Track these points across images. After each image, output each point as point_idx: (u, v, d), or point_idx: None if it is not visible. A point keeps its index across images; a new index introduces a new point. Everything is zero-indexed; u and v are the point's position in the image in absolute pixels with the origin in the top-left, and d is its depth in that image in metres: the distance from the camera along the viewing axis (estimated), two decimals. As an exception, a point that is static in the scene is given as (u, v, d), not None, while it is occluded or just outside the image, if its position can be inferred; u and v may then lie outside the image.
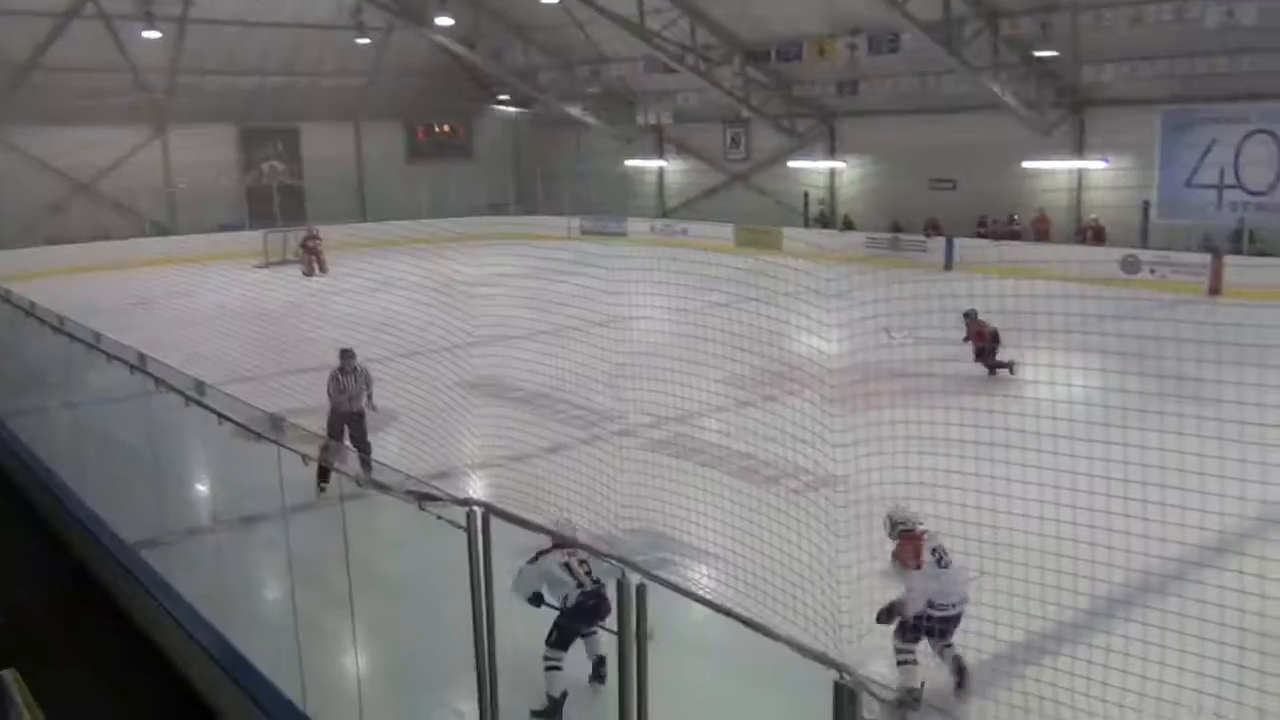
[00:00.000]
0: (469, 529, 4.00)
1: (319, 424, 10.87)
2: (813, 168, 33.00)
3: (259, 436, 5.61)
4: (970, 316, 15.68)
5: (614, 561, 3.83)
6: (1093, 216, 26.51)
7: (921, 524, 7.39)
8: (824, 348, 12.29)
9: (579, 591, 6.48)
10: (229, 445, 7.28)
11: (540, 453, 12.77)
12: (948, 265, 27.40)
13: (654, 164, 38.42)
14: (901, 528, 7.41)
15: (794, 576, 7.48)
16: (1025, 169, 27.30)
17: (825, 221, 32.47)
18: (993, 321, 15.58)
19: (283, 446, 5.32)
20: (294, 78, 36.49)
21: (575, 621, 6.53)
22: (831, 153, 32.56)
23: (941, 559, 7.15)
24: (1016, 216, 27.64)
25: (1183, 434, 6.55)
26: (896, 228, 29.87)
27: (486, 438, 12.94)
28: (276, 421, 5.54)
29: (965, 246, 27.13)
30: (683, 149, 37.32)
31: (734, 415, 13.76)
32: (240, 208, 36.87)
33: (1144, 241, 25.17)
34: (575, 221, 37.73)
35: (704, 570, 8.97)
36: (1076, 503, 7.56)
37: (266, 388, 13.47)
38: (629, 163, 38.47)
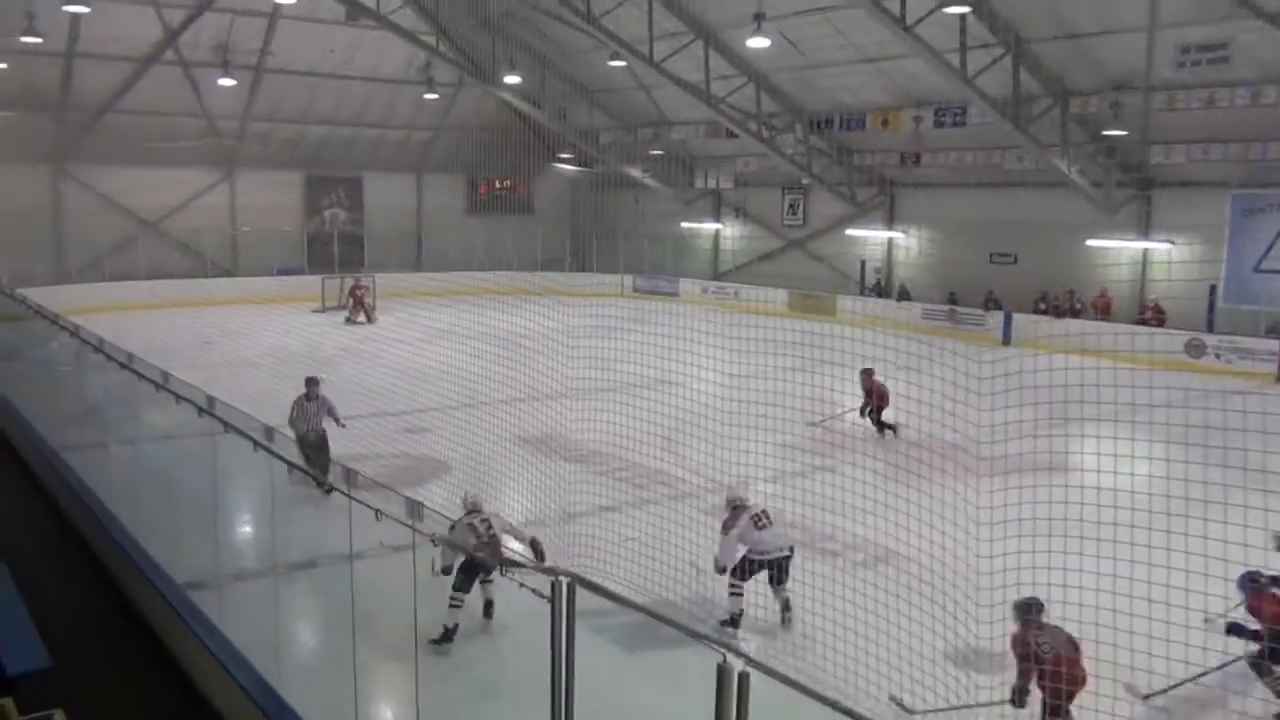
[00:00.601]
0: (553, 599, 3.83)
1: (374, 469, 10.83)
2: (871, 236, 32.89)
3: (330, 489, 5.50)
4: (867, 374, 16.11)
5: (710, 644, 3.61)
6: (1153, 298, 26.05)
7: (750, 500, 9.97)
8: (888, 417, 12.07)
9: (476, 542, 8.40)
10: (284, 490, 7.21)
11: (594, 511, 12.59)
12: (1005, 340, 27.01)
13: (710, 226, 38.53)
14: (734, 504, 9.92)
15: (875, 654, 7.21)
16: (1089, 247, 26.95)
17: (881, 291, 32.24)
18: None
19: (353, 499, 5.20)
20: (361, 129, 37.27)
21: (475, 568, 8.12)
22: (891, 222, 32.43)
23: (759, 522, 9.74)
24: (1077, 293, 27.23)
25: (1247, 525, 6.31)
26: (954, 300, 29.58)
27: (538, 495, 12.81)
28: (350, 474, 5.43)
29: (1024, 322, 26.77)
30: (740, 213, 37.40)
31: (790, 483, 13.49)
32: (300, 252, 37.53)
33: (1209, 325, 24.65)
34: (629, 280, 37.88)
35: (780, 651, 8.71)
36: (1134, 592, 7.25)
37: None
38: (685, 224, 38.63)
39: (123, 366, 9.40)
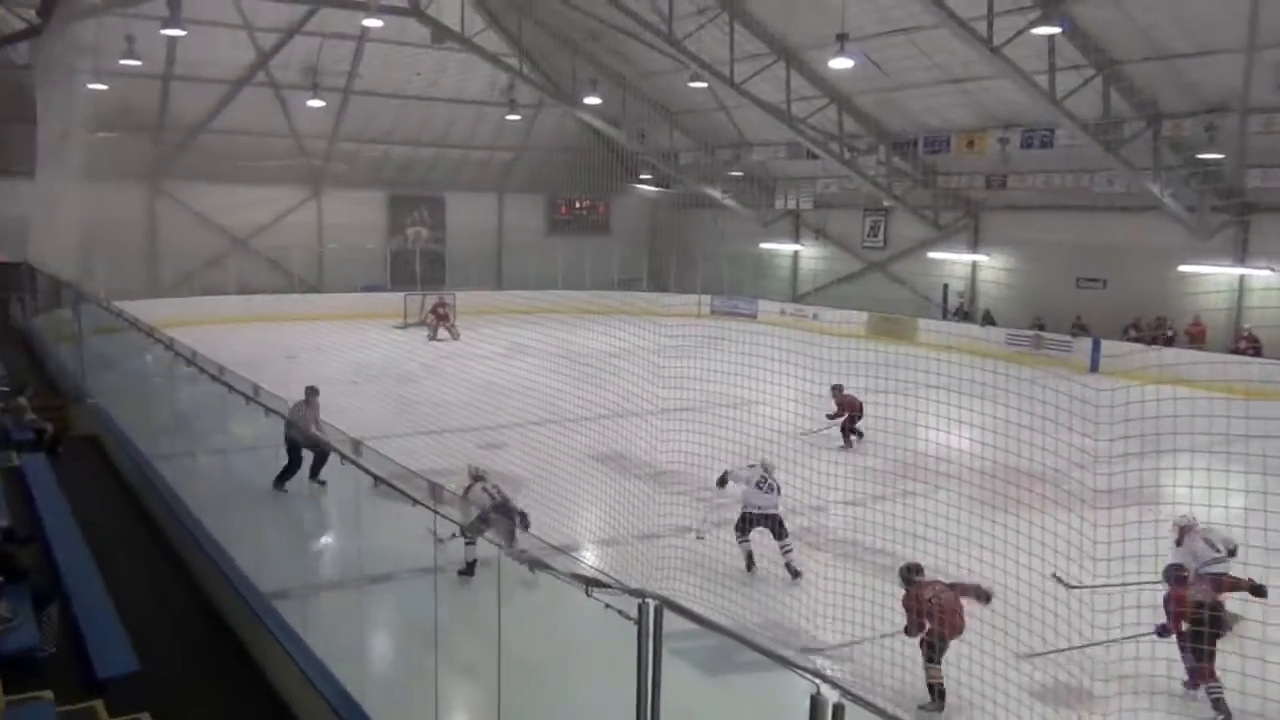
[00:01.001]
0: (640, 622, 3.76)
1: (455, 485, 10.91)
2: (954, 259, 32.37)
3: (414, 502, 5.52)
4: (837, 389, 16.89)
5: (803, 673, 3.50)
6: (1247, 326, 25.15)
7: (754, 465, 11.76)
8: (964, 446, 11.78)
9: (492, 502, 10.43)
10: (368, 503, 7.27)
11: (669, 532, 12.52)
12: (1093, 367, 26.29)
13: (789, 248, 38.29)
14: (759, 466, 11.76)
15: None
16: (1182, 273, 26.15)
17: (964, 315, 31.67)
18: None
19: (439, 514, 5.21)
20: (444, 149, 37.91)
21: (487, 523, 9.75)
22: (974, 245, 31.87)
23: (762, 485, 11.61)
24: (1169, 320, 26.42)
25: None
26: (1040, 325, 28.91)
27: (612, 513, 12.78)
28: (436, 490, 5.45)
29: (1113, 349, 26.00)
30: (820, 234, 37.11)
31: (868, 509, 13.24)
32: (383, 270, 38.22)
33: (1311, 356, 23.69)
34: (707, 300, 37.78)
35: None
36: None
37: (399, 447, 13.61)
38: (764, 245, 38.44)
39: (214, 379, 9.61)
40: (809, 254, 37.93)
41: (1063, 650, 8.52)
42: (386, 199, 38.66)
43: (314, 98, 33.02)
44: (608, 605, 3.87)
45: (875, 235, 35.04)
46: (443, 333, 31.00)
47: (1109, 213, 26.92)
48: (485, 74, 33.97)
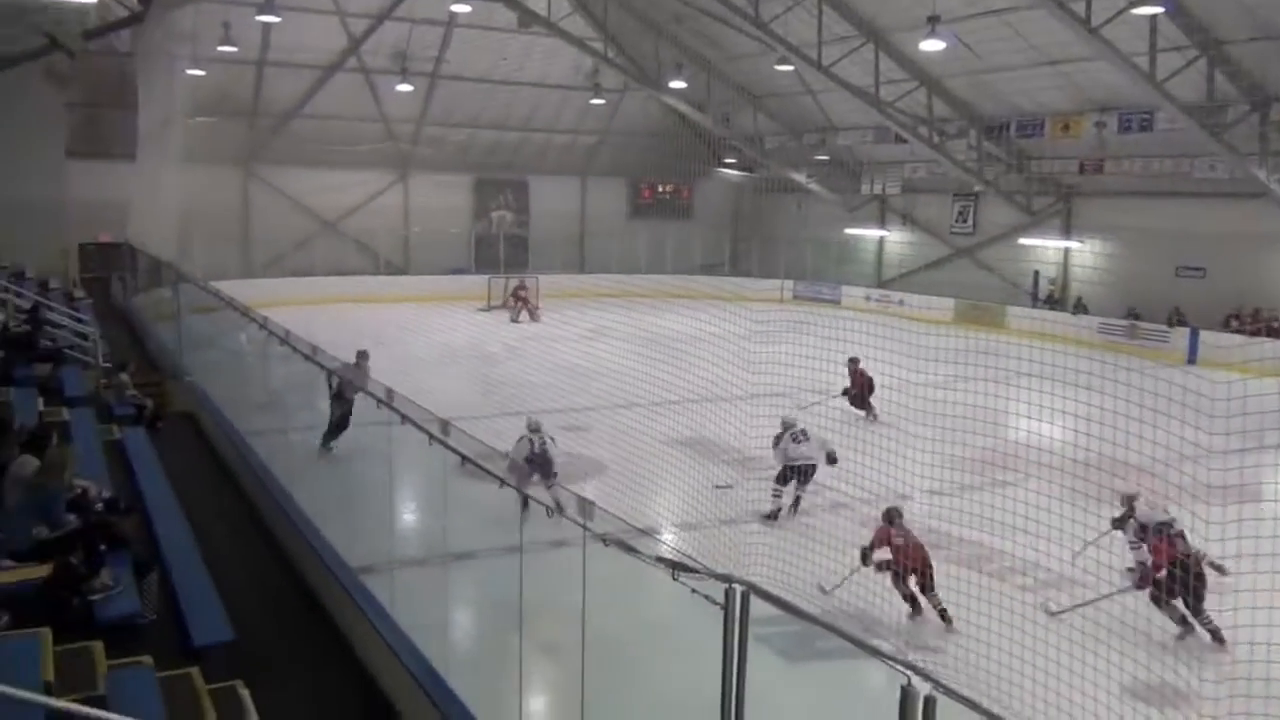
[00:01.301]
0: (726, 607, 3.74)
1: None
2: (1045, 246, 31.56)
3: (501, 482, 5.56)
4: (853, 362, 17.61)
5: (893, 663, 3.44)
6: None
7: (795, 424, 12.86)
8: (1059, 436, 11.48)
9: (529, 452, 11.88)
10: (455, 482, 7.36)
11: (749, 518, 12.46)
12: (1190, 359, 25.43)
13: (875, 233, 37.75)
14: (784, 423, 12.92)
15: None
16: (1288, 261, 25.14)
17: (1055, 302, 30.88)
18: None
19: (529, 496, 5.24)
20: (529, 134, 38.17)
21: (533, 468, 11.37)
22: (1067, 232, 31.02)
23: (797, 439, 12.73)
24: (1271, 310, 25.41)
25: None
26: (1134, 314, 28.06)
27: (693, 498, 12.76)
28: (519, 468, 5.48)
29: (1211, 339, 25.13)
30: (907, 220, 36.50)
31: (955, 499, 13.01)
32: (468, 253, 38.66)
33: None
34: (789, 285, 37.44)
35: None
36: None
37: (484, 428, 13.76)
38: (849, 231, 37.95)
39: (306, 358, 9.81)
40: (895, 239, 37.34)
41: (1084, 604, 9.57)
42: (472, 183, 39.08)
43: (403, 82, 33.49)
44: (694, 590, 3.84)
45: (964, 221, 34.34)
46: (524, 315, 31.32)
47: (1211, 199, 25.96)
48: (570, 58, 34.09)
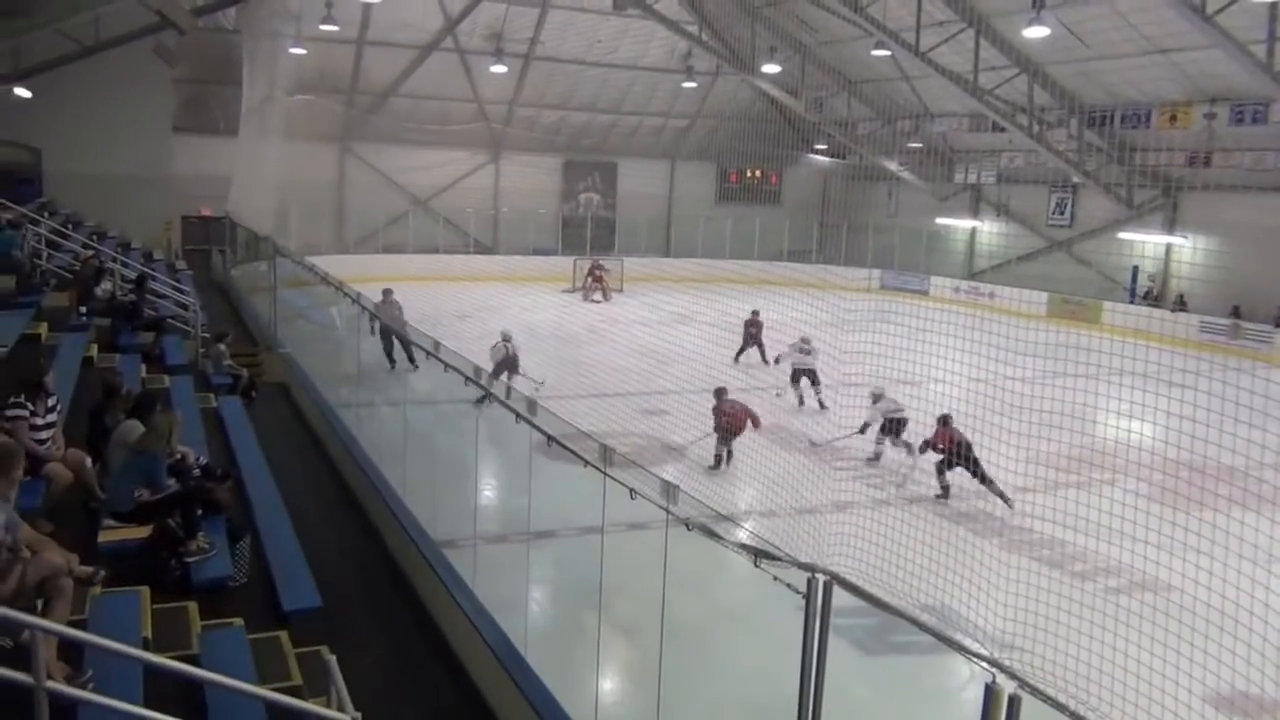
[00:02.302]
0: (808, 596, 3.71)
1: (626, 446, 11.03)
2: (1145, 240, 30.55)
3: (585, 463, 5.61)
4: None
5: (979, 661, 3.38)
6: None
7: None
8: (1153, 435, 11.15)
9: (505, 355, 16.24)
10: (539, 461, 7.45)
11: (827, 508, 12.38)
12: (1298, 361, 24.45)
13: (967, 224, 36.97)
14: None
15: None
16: None
17: (1154, 299, 29.90)
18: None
19: (611, 478, 5.28)
20: (620, 116, 38.20)
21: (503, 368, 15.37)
22: (1170, 226, 29.97)
23: (805, 350, 17.23)
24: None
25: None
26: (1238, 313, 27.04)
27: (770, 485, 12.71)
28: (606, 452, 5.52)
29: (1321, 343, 24.12)
30: (1001, 210, 35.67)
31: (1041, 496, 12.73)
32: (555, 234, 38.93)
33: None
34: (876, 275, 36.90)
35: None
36: None
37: (565, 408, 13.88)
38: (940, 220, 37.24)
39: (396, 335, 9.99)
40: (987, 230, 36.55)
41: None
42: (561, 164, 39.30)
43: (497, 63, 33.78)
44: (775, 578, 3.83)
45: (1061, 213, 33.43)
46: (597, 294, 31.52)
47: (1327, 195, 24.87)
48: (664, 41, 34.02)
